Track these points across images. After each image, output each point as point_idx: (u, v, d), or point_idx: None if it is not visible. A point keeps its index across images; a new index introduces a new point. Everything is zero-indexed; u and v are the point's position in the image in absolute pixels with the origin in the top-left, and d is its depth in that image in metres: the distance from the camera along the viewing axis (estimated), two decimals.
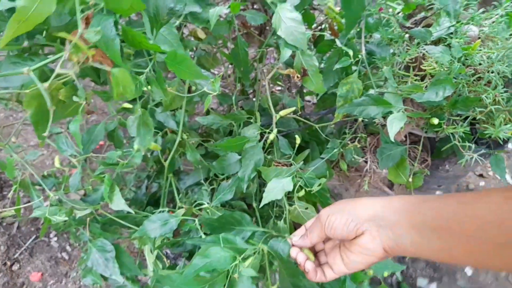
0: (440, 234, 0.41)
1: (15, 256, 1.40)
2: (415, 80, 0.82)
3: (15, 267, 1.38)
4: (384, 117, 1.00)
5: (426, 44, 0.81)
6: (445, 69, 0.76)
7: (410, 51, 0.81)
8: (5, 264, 1.38)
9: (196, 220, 0.76)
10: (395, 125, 0.74)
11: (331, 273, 0.53)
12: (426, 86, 0.80)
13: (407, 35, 0.86)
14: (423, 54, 0.81)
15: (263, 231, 0.79)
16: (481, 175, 1.81)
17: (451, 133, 0.77)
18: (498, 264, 0.38)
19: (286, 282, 0.65)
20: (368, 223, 0.47)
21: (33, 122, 0.55)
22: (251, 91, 1.34)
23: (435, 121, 0.76)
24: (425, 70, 0.80)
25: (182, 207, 0.89)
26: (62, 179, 0.91)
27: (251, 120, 1.01)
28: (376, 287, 0.98)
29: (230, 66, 1.33)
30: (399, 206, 0.46)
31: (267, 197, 0.80)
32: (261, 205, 0.79)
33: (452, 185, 1.75)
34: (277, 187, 0.81)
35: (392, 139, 0.72)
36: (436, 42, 0.83)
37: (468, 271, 1.51)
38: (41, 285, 1.34)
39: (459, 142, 0.77)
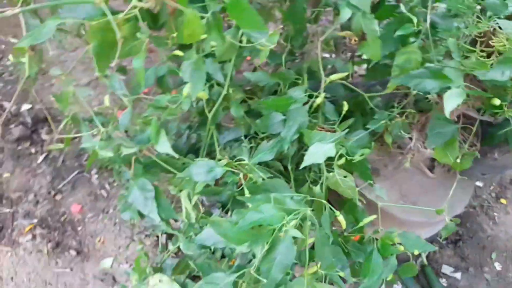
0: None
1: (59, 187, 1.50)
2: (480, 57, 0.77)
3: (58, 197, 1.47)
4: (439, 94, 0.96)
5: (499, 18, 0.75)
6: None
7: (481, 24, 0.76)
8: (49, 192, 1.47)
9: (241, 174, 0.77)
10: (452, 101, 0.71)
11: None
12: (491, 64, 0.75)
13: (478, 7, 0.80)
14: (494, 29, 0.76)
15: (299, 196, 0.79)
16: None
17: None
18: None
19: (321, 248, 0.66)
20: None
21: (95, 54, 0.56)
22: (299, 53, 1.31)
23: (497, 101, 0.72)
24: (493, 46, 0.75)
25: (222, 159, 0.90)
26: (111, 118, 0.94)
27: (299, 82, 1.00)
28: (402, 264, 0.97)
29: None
30: None
31: (308, 160, 0.80)
32: (301, 167, 0.79)
33: (496, 176, 1.68)
34: (319, 152, 0.80)
35: (447, 115, 0.69)
36: (510, 17, 0.77)
37: (498, 266, 1.47)
38: (80, 216, 1.43)
39: None
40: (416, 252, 0.83)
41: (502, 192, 1.67)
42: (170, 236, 1.36)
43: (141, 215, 0.93)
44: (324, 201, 0.77)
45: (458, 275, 1.43)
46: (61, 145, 1.16)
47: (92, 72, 1.86)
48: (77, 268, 1.32)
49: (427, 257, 1.47)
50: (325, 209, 0.82)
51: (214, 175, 0.77)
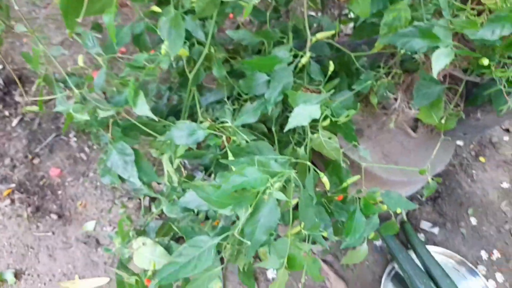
0: None
1: (36, 151, 1.45)
2: (471, 15, 0.75)
3: (35, 161, 1.43)
4: (425, 54, 0.94)
5: None
6: (509, 5, 0.68)
7: None
8: (26, 156, 1.43)
9: (224, 137, 0.75)
10: (440, 61, 0.69)
11: None
12: (482, 23, 0.73)
13: None
14: None
15: (283, 158, 0.78)
16: (507, 130, 1.76)
17: (499, 77, 0.72)
18: None
19: (305, 210, 0.66)
20: None
21: (63, 9, 0.52)
22: (284, 11, 1.25)
23: (485, 61, 0.70)
24: (484, 4, 0.73)
25: (203, 122, 0.88)
26: (86, 79, 0.89)
27: (284, 40, 0.96)
28: (384, 223, 0.99)
29: None
30: None
31: (292, 122, 0.78)
32: (286, 129, 0.78)
33: (477, 136, 1.71)
34: (304, 113, 0.78)
35: (435, 75, 0.68)
36: None
37: (473, 220, 1.53)
38: (59, 180, 1.40)
39: (504, 87, 0.72)
40: (398, 211, 0.85)
41: (481, 150, 1.71)
42: (153, 199, 1.35)
43: (122, 179, 0.91)
44: (308, 163, 0.76)
45: (435, 230, 1.48)
46: (36, 108, 1.11)
47: (66, 30, 1.76)
48: (59, 232, 1.30)
49: (406, 214, 1.52)
50: (309, 171, 0.82)
51: (196, 138, 0.75)
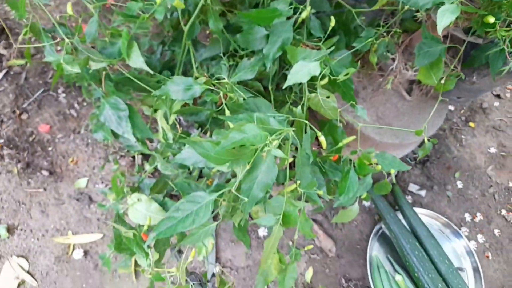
0: None
1: (24, 106, 1.41)
2: None
3: (24, 117, 1.39)
4: (427, 14, 0.92)
5: None
6: None
7: None
8: (14, 112, 1.39)
9: (221, 93, 0.73)
10: (446, 18, 0.67)
11: None
12: None
13: None
14: None
15: (282, 116, 0.77)
16: (498, 96, 1.77)
17: (502, 37, 0.71)
18: None
19: (301, 168, 0.66)
20: None
21: None
22: None
23: (491, 19, 0.69)
24: None
25: (199, 77, 0.85)
26: (75, 29, 0.85)
27: None
28: (376, 183, 1.01)
29: None
30: None
31: (291, 79, 0.77)
32: (285, 86, 0.76)
33: (468, 101, 1.72)
34: (303, 70, 0.77)
35: (440, 32, 0.66)
36: None
37: (460, 184, 1.57)
38: (49, 137, 1.38)
39: (508, 47, 0.71)
40: (392, 171, 0.86)
41: (471, 116, 1.72)
42: (146, 157, 1.34)
43: (115, 135, 0.89)
44: (306, 122, 0.75)
45: (423, 192, 1.52)
46: (22, 61, 1.06)
47: None
48: (51, 188, 1.30)
49: (395, 176, 1.54)
50: (305, 130, 0.81)
51: (192, 93, 0.73)
